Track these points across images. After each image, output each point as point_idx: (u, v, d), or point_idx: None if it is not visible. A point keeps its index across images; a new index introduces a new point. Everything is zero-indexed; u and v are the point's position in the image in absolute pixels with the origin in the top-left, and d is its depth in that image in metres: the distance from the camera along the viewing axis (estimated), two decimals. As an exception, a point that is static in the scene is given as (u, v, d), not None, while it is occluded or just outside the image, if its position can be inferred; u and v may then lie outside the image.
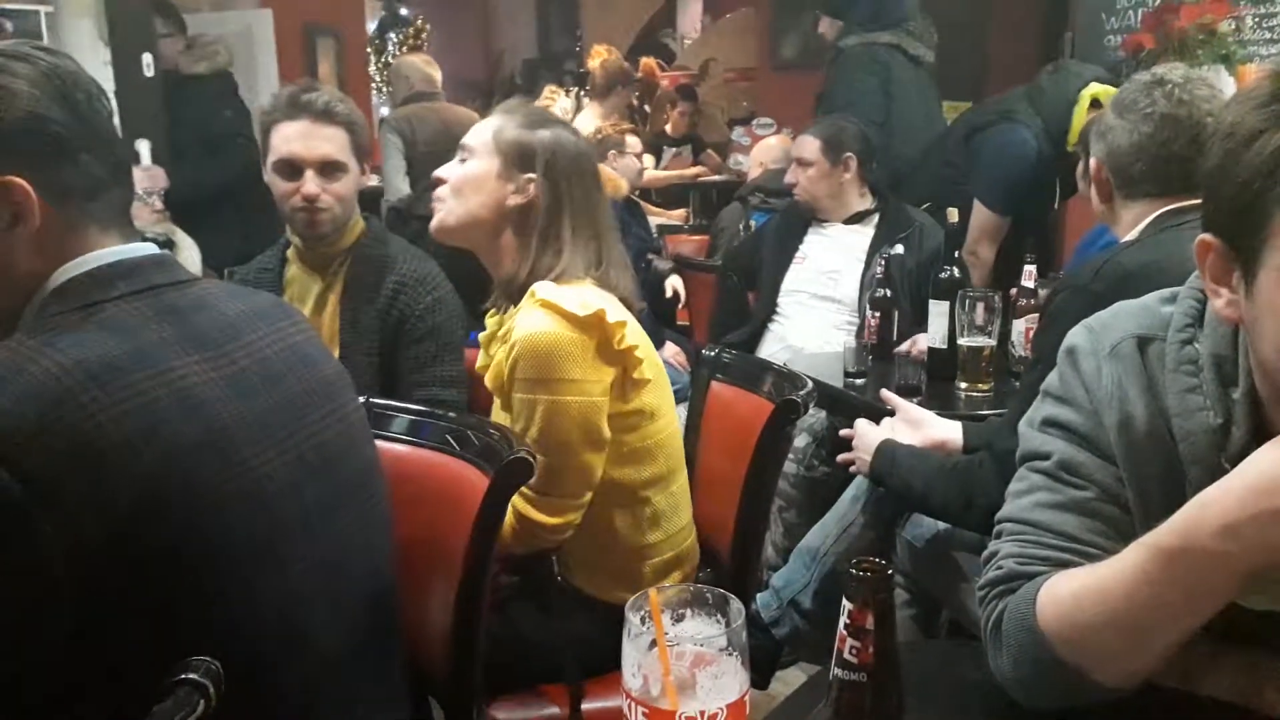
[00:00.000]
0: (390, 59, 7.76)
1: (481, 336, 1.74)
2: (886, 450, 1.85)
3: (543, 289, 1.56)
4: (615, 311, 1.57)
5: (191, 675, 0.82)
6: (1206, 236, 0.88)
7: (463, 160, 1.68)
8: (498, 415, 1.70)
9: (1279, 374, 0.84)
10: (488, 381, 1.62)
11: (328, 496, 1.14)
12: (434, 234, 1.71)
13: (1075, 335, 1.03)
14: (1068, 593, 0.90)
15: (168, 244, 2.93)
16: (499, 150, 1.64)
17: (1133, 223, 1.66)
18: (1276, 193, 0.79)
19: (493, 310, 1.73)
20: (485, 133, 1.66)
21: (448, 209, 1.68)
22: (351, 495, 1.19)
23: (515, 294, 1.63)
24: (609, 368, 1.56)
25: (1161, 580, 0.83)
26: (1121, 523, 0.94)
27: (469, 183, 1.66)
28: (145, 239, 1.14)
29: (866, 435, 1.91)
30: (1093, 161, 1.74)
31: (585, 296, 1.56)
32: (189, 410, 0.99)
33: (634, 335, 1.59)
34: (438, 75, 4.56)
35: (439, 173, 1.70)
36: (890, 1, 3.81)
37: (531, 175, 1.62)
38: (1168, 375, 0.94)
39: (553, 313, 1.52)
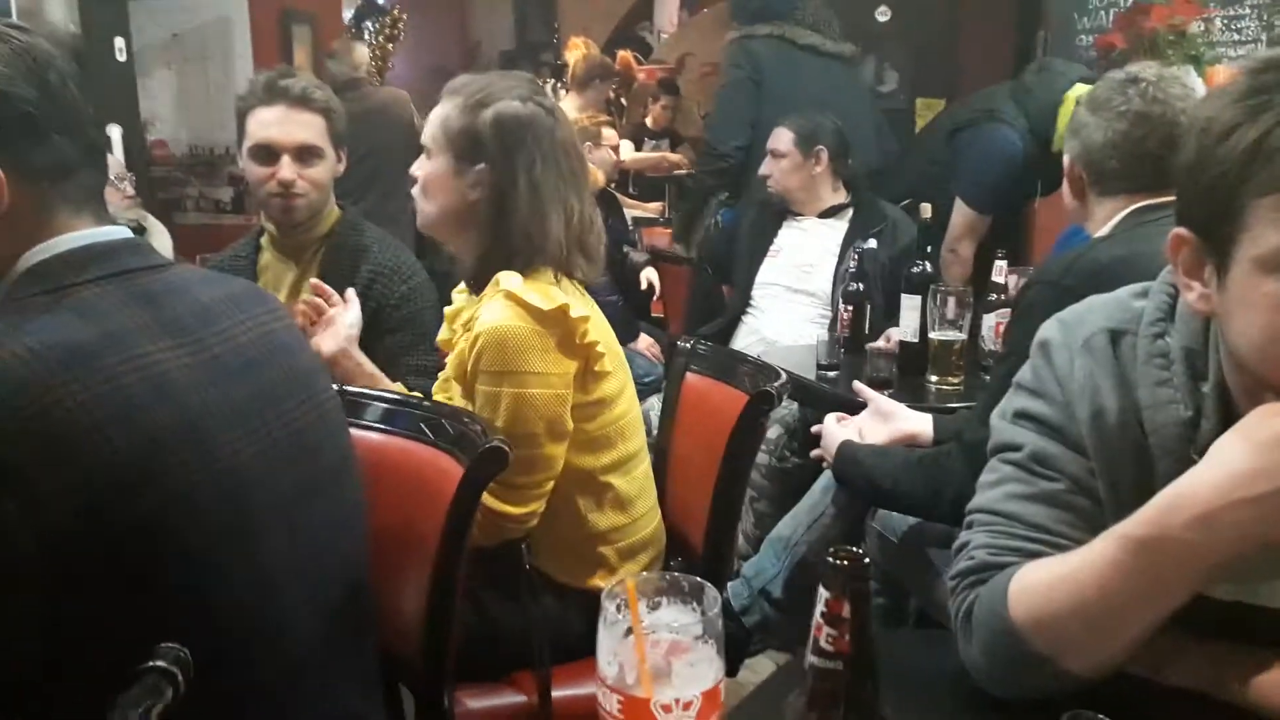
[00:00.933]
0: (368, 46, 7.69)
1: (448, 311, 1.74)
2: (847, 451, 1.83)
3: (507, 280, 1.55)
4: (578, 307, 1.57)
5: (159, 663, 0.80)
6: (1180, 230, 0.89)
7: (428, 156, 1.67)
8: (443, 387, 1.69)
9: (1250, 366, 0.85)
10: (449, 366, 1.62)
11: (302, 485, 1.13)
12: (420, 229, 1.72)
13: (1048, 329, 1.04)
14: (1038, 582, 0.91)
15: (139, 229, 2.90)
16: (449, 144, 1.63)
17: (1105, 219, 1.68)
18: (1250, 186, 0.80)
19: (463, 288, 1.73)
20: (436, 125, 1.65)
21: (422, 210, 1.69)
22: (326, 484, 1.18)
23: (481, 281, 1.63)
24: (571, 360, 1.56)
25: (1133, 570, 0.84)
26: (1092, 514, 0.95)
27: (430, 184, 1.66)
28: (117, 223, 1.13)
29: (830, 435, 1.91)
30: (1066, 158, 1.76)
31: (549, 291, 1.56)
32: (162, 396, 0.98)
33: (596, 330, 1.59)
34: (359, 60, 4.49)
35: (412, 170, 1.70)
36: None
37: (482, 166, 1.61)
38: (1139, 369, 0.95)
39: (516, 305, 1.52)
